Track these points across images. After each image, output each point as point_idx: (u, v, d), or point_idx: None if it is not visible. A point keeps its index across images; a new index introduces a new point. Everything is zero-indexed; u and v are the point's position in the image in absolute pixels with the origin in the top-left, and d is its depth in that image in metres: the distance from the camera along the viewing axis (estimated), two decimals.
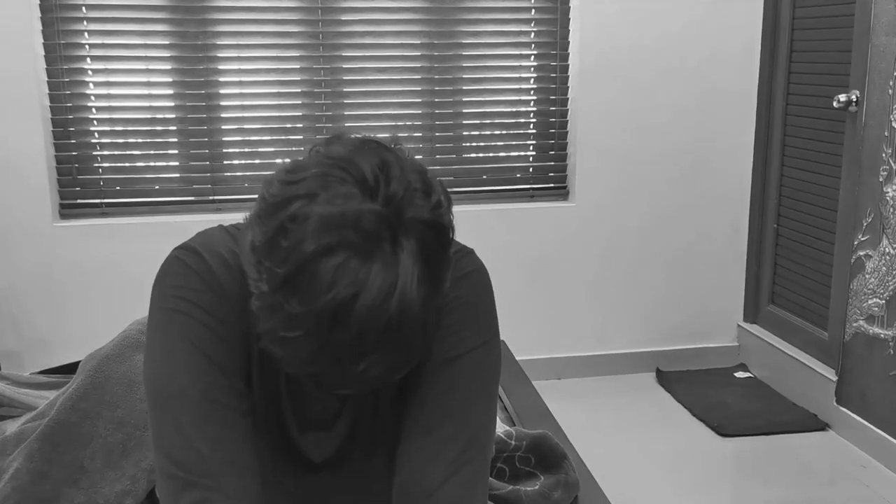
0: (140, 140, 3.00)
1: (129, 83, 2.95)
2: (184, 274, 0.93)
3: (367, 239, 0.76)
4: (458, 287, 0.99)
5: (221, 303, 0.92)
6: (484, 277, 1.05)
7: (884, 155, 2.53)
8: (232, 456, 0.90)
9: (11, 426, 1.37)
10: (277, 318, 0.77)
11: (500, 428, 1.43)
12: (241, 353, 0.94)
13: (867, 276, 2.62)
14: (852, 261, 2.68)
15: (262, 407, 0.99)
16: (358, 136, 0.87)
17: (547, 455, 1.35)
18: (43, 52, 2.87)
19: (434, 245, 0.81)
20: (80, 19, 2.88)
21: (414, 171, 0.83)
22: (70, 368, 1.61)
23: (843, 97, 2.71)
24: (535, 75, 3.19)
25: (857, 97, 2.67)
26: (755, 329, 3.34)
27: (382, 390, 1.01)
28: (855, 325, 2.68)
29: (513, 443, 1.34)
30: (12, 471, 1.23)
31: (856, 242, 2.66)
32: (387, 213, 0.78)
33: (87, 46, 2.91)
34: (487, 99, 3.17)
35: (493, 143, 3.22)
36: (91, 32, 2.90)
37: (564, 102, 3.21)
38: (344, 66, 3.06)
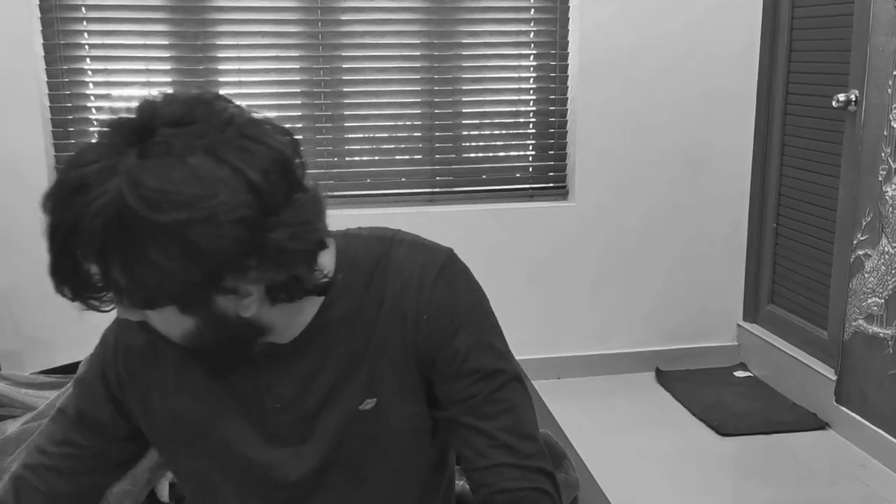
0: None
1: (129, 83, 2.95)
2: (99, 345, 1.08)
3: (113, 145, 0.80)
4: (440, 294, 0.99)
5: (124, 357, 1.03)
6: (456, 273, 1.02)
7: (883, 154, 2.54)
8: (60, 463, 1.05)
9: (12, 426, 1.37)
10: None
11: None
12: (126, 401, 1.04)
13: (866, 276, 2.62)
14: (851, 260, 2.69)
15: (201, 424, 1.01)
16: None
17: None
18: (43, 53, 2.87)
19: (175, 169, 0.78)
20: (80, 19, 2.88)
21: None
22: (70, 368, 1.61)
23: (842, 97, 2.71)
24: (534, 75, 3.19)
25: (856, 97, 2.67)
26: (755, 328, 3.34)
27: (374, 412, 0.99)
28: (854, 324, 2.68)
29: None
30: (13, 470, 1.23)
31: (855, 241, 2.67)
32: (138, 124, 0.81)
33: (86, 46, 2.91)
34: (487, 99, 3.17)
35: (492, 143, 3.22)
36: (91, 32, 2.90)
37: (564, 102, 3.21)
38: (343, 65, 3.06)
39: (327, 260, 0.96)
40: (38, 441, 1.09)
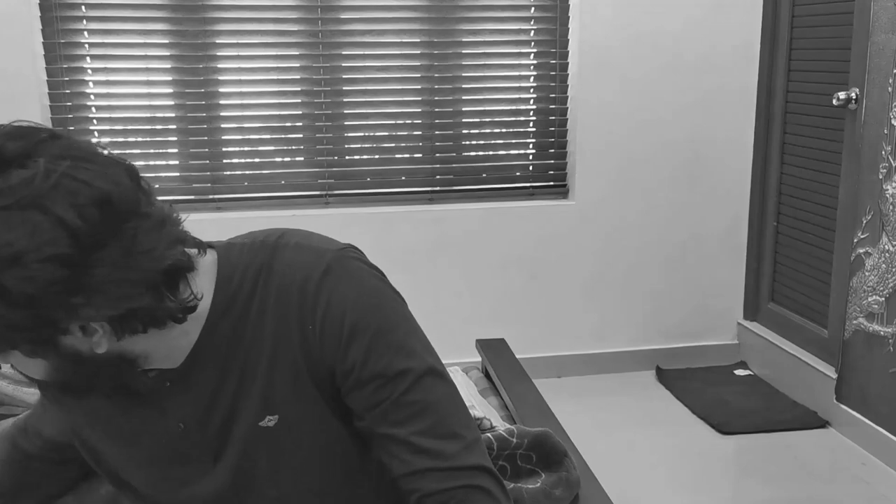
0: (140, 139, 3.00)
1: (129, 82, 2.95)
2: None
3: None
4: (324, 301, 0.93)
5: None
6: (342, 276, 0.95)
7: (883, 152, 2.54)
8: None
9: None
10: None
11: (502, 426, 1.44)
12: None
13: (867, 274, 2.62)
14: (852, 258, 2.69)
15: (113, 452, 1.03)
16: None
17: (548, 453, 1.36)
18: (42, 52, 2.87)
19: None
20: (80, 18, 2.88)
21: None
22: None
23: (842, 95, 2.71)
24: (534, 73, 3.19)
25: (856, 95, 2.67)
26: (755, 327, 3.34)
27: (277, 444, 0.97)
28: (855, 322, 2.68)
29: (514, 440, 1.35)
30: None
31: (855, 240, 2.67)
32: None
33: (86, 46, 2.91)
34: (487, 97, 3.17)
35: (492, 142, 3.22)
36: (91, 32, 2.90)
37: (564, 101, 3.21)
38: (343, 64, 3.06)
39: (205, 278, 0.92)
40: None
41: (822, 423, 2.85)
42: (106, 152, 0.83)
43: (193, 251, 0.91)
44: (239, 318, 0.94)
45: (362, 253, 0.99)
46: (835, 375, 2.79)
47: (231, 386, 0.95)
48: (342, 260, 0.95)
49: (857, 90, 2.66)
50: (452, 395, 0.97)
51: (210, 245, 0.96)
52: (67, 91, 2.91)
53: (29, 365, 0.86)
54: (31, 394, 1.42)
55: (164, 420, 0.98)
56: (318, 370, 0.94)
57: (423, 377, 0.94)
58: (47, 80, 2.89)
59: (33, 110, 2.86)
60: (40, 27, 2.85)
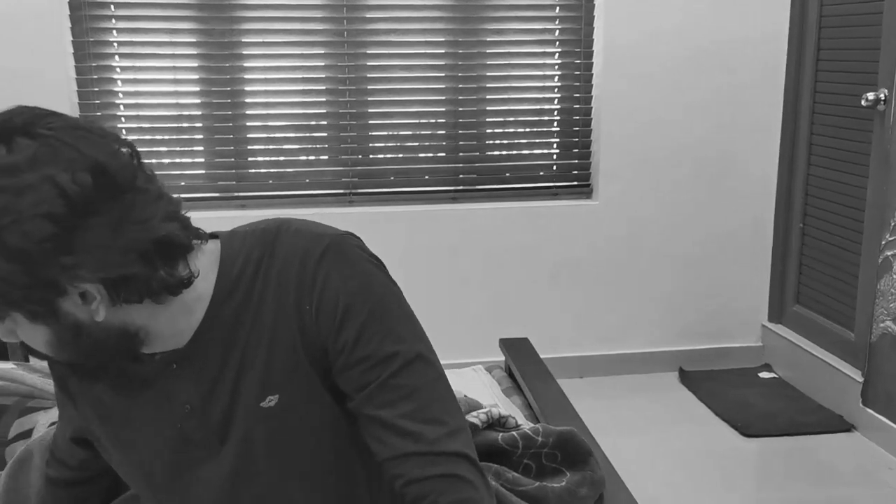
0: (166, 137, 3.03)
1: (156, 80, 2.98)
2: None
3: None
4: (321, 282, 0.96)
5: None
6: (339, 258, 0.98)
7: None
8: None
9: (43, 417, 1.39)
10: None
11: (526, 425, 1.44)
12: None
13: (894, 277, 2.59)
14: (879, 261, 2.66)
15: (121, 437, 1.05)
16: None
17: (573, 452, 1.35)
18: (72, 51, 2.90)
19: None
20: (109, 17, 2.92)
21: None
22: None
23: (871, 95, 2.68)
24: (559, 73, 3.18)
25: (885, 95, 2.64)
26: (780, 329, 3.32)
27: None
28: (882, 325, 2.65)
29: (539, 439, 1.35)
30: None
31: (883, 242, 2.64)
32: None
33: (115, 44, 2.94)
34: (511, 97, 3.16)
35: (516, 141, 3.22)
36: (119, 31, 2.93)
37: (588, 100, 3.20)
38: (368, 63, 3.07)
39: (204, 261, 0.96)
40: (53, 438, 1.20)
41: (848, 427, 2.82)
42: (109, 131, 0.90)
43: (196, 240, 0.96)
44: (241, 301, 0.97)
45: (361, 241, 1.02)
46: (861, 379, 2.77)
47: (233, 367, 0.98)
48: (340, 244, 0.98)
49: (886, 91, 2.63)
50: (439, 381, 0.99)
51: (214, 235, 1.00)
52: (96, 89, 2.95)
53: (34, 335, 0.89)
54: None
55: (170, 403, 1.00)
56: (313, 349, 0.96)
57: (411, 362, 0.96)
58: (76, 79, 2.92)
59: (62, 108, 2.87)
60: (69, 26, 2.88)
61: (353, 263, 0.97)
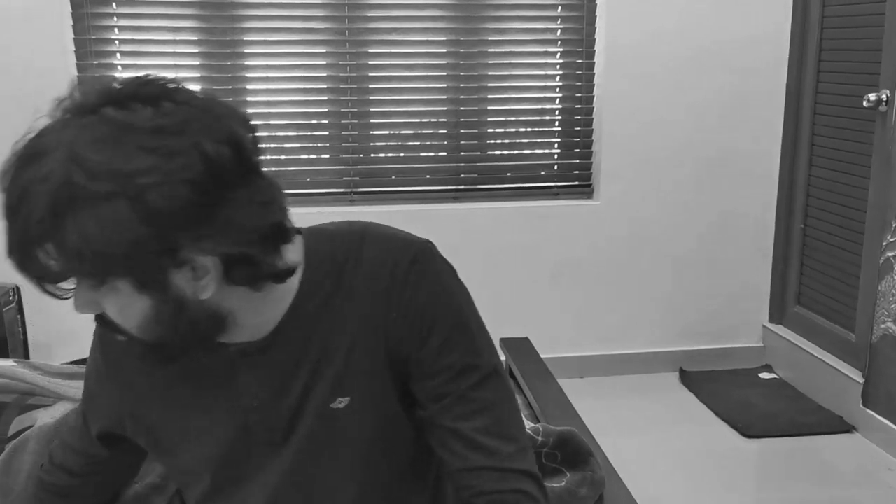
0: None
1: None
2: (90, 353, 1.12)
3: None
4: (410, 291, 0.97)
5: (105, 368, 1.07)
6: (427, 268, 0.99)
7: None
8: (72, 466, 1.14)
9: (43, 415, 1.39)
10: None
11: (526, 425, 1.43)
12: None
13: (895, 278, 2.59)
14: (881, 262, 2.65)
15: (182, 426, 1.03)
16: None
17: (573, 452, 1.35)
18: (73, 48, 2.90)
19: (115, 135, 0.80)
20: (111, 15, 2.92)
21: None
22: None
23: (872, 96, 2.68)
24: (560, 73, 3.18)
25: (887, 96, 2.64)
26: (781, 330, 3.31)
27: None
28: (882, 326, 2.65)
29: (539, 439, 1.35)
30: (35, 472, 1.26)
31: (884, 243, 2.63)
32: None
33: (116, 42, 2.94)
34: (513, 96, 3.16)
35: (517, 141, 3.22)
36: (121, 28, 2.93)
37: (590, 100, 3.20)
38: (370, 62, 3.07)
39: (294, 255, 0.95)
40: (53, 444, 1.16)
41: (848, 428, 2.82)
42: (239, 110, 0.90)
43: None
44: (324, 301, 0.97)
45: (436, 247, 1.03)
46: (861, 380, 2.76)
47: (308, 366, 0.98)
48: (427, 253, 1.00)
49: (888, 92, 2.63)
50: (512, 398, 1.01)
51: (297, 230, 0.99)
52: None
53: (129, 308, 0.85)
54: (64, 385, 1.44)
55: (239, 396, 0.99)
56: (395, 356, 0.97)
57: (489, 376, 0.98)
58: (78, 76, 2.92)
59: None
60: (71, 24, 2.88)
61: (438, 273, 0.99)
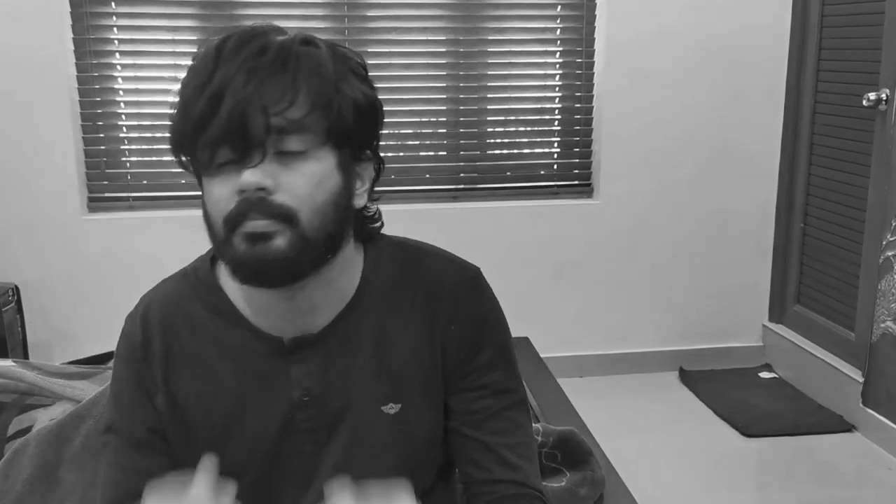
0: (166, 134, 3.01)
1: (157, 78, 2.98)
2: (120, 344, 1.06)
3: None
4: (470, 308, 1.04)
5: (143, 363, 1.02)
6: (484, 290, 1.09)
7: None
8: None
9: (43, 415, 1.39)
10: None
11: None
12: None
13: (895, 277, 2.59)
14: (880, 261, 2.65)
15: (228, 413, 1.00)
16: None
17: (573, 452, 1.35)
18: (72, 47, 2.89)
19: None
20: (110, 14, 2.91)
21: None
22: (98, 359, 1.63)
23: (872, 95, 2.68)
24: (560, 72, 3.18)
25: (886, 95, 2.64)
26: (781, 329, 3.31)
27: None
28: (882, 325, 2.65)
29: (539, 439, 1.34)
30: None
31: (884, 242, 2.63)
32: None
33: (115, 41, 2.94)
34: (512, 95, 3.16)
35: (517, 140, 3.21)
36: (120, 27, 2.93)
37: (589, 99, 3.19)
38: (369, 61, 3.04)
39: (355, 255, 1.00)
40: (111, 477, 1.04)
41: (848, 427, 2.82)
42: None
43: None
44: (383, 302, 1.01)
45: None
46: (861, 379, 2.76)
47: (363, 366, 0.99)
48: (482, 278, 1.08)
49: (888, 91, 2.63)
50: (532, 426, 1.09)
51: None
52: (97, 86, 2.94)
53: (324, 183, 0.91)
54: (64, 385, 1.44)
55: (288, 390, 0.99)
56: (447, 367, 1.02)
57: (520, 403, 1.06)
58: (77, 76, 2.92)
59: (63, 104, 2.89)
60: (70, 23, 2.88)
61: (491, 297, 1.07)
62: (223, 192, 0.89)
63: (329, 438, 1.00)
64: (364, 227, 1.02)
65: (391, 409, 1.00)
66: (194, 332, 0.99)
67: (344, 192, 0.93)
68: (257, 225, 0.88)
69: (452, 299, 1.02)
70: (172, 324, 1.01)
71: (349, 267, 1.00)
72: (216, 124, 0.87)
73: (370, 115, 0.95)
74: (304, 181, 0.89)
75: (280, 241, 0.88)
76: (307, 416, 0.99)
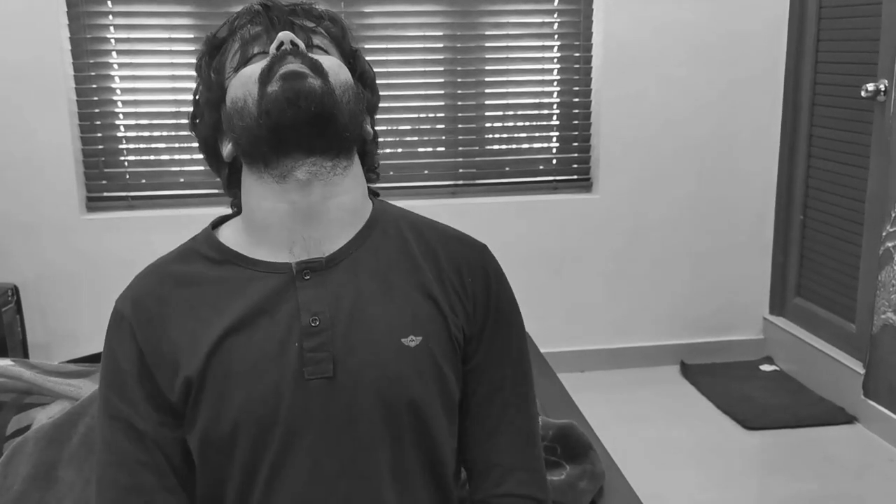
0: (165, 133, 3.02)
1: (154, 77, 2.97)
2: (109, 335, 1.02)
3: None
4: (483, 265, 1.06)
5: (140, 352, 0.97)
6: (493, 259, 1.10)
7: None
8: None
9: (41, 413, 1.39)
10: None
11: None
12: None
13: (895, 268, 2.59)
14: (880, 252, 2.65)
15: (231, 353, 0.94)
16: None
17: (573, 445, 1.35)
18: (69, 47, 2.89)
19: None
20: (106, 13, 2.91)
21: None
22: (97, 358, 1.63)
23: (871, 86, 2.67)
24: (558, 67, 3.17)
25: (885, 86, 2.63)
26: (781, 322, 3.31)
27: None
28: (883, 317, 2.64)
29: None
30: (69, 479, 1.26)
31: (884, 233, 2.63)
32: None
33: (112, 41, 2.93)
34: (511, 91, 3.16)
35: (516, 135, 3.21)
36: (117, 27, 2.92)
37: (588, 94, 3.19)
38: (366, 57, 3.05)
39: (362, 190, 1.05)
40: (110, 477, 0.98)
41: (850, 419, 2.82)
42: None
43: None
44: (394, 236, 1.02)
45: None
46: (862, 371, 2.76)
47: (375, 292, 0.97)
48: (489, 251, 1.10)
49: (886, 81, 2.62)
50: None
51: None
52: (94, 86, 2.94)
53: (343, 73, 1.01)
54: (63, 384, 1.44)
55: (297, 316, 0.93)
56: (462, 316, 1.01)
57: (533, 398, 1.09)
58: (74, 76, 2.92)
59: (60, 104, 2.89)
60: (67, 23, 2.87)
61: (500, 268, 1.09)
62: (256, 67, 0.98)
63: (336, 375, 0.92)
64: (369, 176, 1.08)
65: (412, 341, 0.95)
66: (191, 282, 0.97)
67: (359, 92, 1.02)
68: (293, 65, 0.95)
69: (463, 252, 1.04)
70: (163, 282, 0.98)
71: (360, 191, 1.02)
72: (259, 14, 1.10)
73: (369, 72, 1.12)
74: (329, 61, 0.99)
75: (314, 82, 0.95)
76: (315, 347, 0.92)
